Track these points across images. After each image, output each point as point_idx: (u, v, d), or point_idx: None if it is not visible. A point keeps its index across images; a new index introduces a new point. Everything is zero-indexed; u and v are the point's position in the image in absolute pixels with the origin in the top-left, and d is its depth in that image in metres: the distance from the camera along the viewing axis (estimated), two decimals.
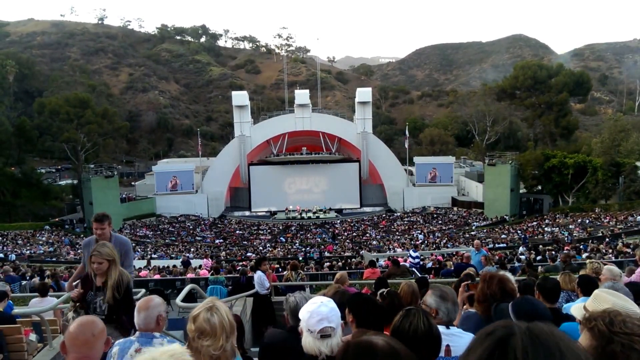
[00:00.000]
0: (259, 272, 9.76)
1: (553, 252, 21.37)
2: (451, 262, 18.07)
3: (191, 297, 9.51)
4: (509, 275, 5.30)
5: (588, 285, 4.69)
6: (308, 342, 2.63)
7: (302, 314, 2.69)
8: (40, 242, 41.86)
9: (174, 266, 22.80)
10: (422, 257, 22.47)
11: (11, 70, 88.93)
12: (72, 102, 55.44)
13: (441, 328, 2.79)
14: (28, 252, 37.85)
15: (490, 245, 32.10)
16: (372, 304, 3.18)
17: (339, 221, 53.48)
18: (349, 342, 1.88)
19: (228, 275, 16.70)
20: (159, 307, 3.31)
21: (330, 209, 56.37)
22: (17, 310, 6.94)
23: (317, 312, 2.62)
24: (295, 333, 3.11)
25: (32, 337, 6.19)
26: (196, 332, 2.48)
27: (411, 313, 2.51)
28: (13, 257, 34.19)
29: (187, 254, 38.29)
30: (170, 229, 51.77)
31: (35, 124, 61.51)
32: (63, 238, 45.06)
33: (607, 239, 28.67)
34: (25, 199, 52.91)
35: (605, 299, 2.84)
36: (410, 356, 1.80)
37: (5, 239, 41.47)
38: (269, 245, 43.85)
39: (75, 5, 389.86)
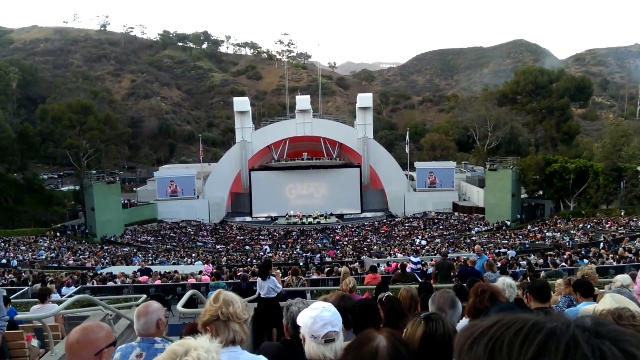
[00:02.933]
0: (272, 278, 9.79)
1: (555, 257, 21.39)
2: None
3: (192, 303, 9.53)
4: (509, 280, 5.28)
5: (585, 289, 4.81)
6: (312, 347, 2.61)
7: (304, 320, 2.67)
8: (42, 248, 41.90)
9: (175, 271, 22.78)
10: (423, 262, 22.52)
11: (14, 76, 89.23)
12: (74, 109, 55.49)
13: None
14: (31, 256, 37.90)
15: (496, 251, 32.02)
16: (373, 313, 3.30)
17: (339, 226, 53.39)
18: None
19: (229, 281, 16.62)
20: (157, 312, 3.31)
21: (331, 214, 56.25)
22: (19, 315, 6.99)
23: (321, 317, 2.61)
24: (290, 344, 3.16)
25: (34, 342, 6.26)
26: (223, 305, 2.67)
27: (435, 317, 2.47)
28: (15, 263, 34.21)
29: (190, 259, 38.40)
30: (171, 234, 51.76)
31: (38, 130, 61.75)
32: (64, 244, 45.13)
33: (603, 244, 28.63)
34: (27, 204, 52.91)
35: (606, 302, 2.89)
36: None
37: (7, 245, 41.52)
38: (269, 250, 43.81)
39: (78, 12, 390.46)
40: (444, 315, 3.24)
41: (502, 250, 33.38)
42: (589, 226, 39.30)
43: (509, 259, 24.44)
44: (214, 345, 1.84)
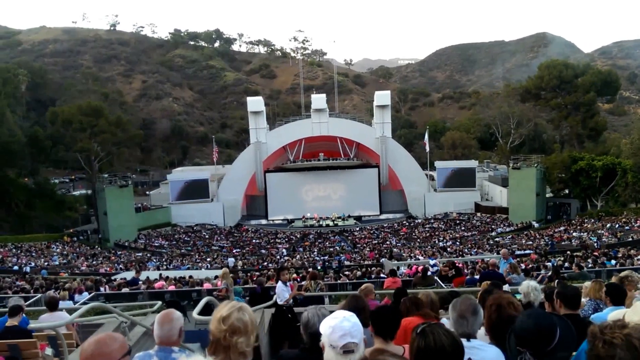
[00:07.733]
0: (279, 283, 9.64)
1: (581, 260, 20.16)
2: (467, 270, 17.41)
3: (208, 310, 8.88)
4: (533, 283, 4.96)
5: (617, 295, 4.66)
6: (330, 357, 2.60)
7: (324, 328, 2.66)
8: (55, 254, 41.23)
9: (190, 277, 22.22)
10: (444, 264, 21.57)
11: (23, 79, 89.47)
12: (85, 111, 55.12)
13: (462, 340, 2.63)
14: (43, 262, 37.21)
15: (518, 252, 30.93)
16: (391, 320, 3.36)
17: (358, 228, 52.92)
18: None
19: (245, 286, 16.54)
20: (180, 320, 3.33)
21: (349, 216, 55.95)
22: (32, 324, 7.05)
23: (340, 327, 2.58)
24: (309, 353, 3.13)
25: (48, 351, 6.39)
26: (229, 330, 2.62)
27: (429, 330, 2.41)
28: (27, 269, 33.55)
29: (203, 265, 37.38)
30: (186, 238, 51.42)
31: (49, 133, 61.20)
32: (77, 249, 44.48)
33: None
34: (39, 210, 52.52)
35: (638, 309, 2.83)
36: None
37: (19, 251, 40.91)
38: (285, 253, 42.93)
39: (87, 11, 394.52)
40: (465, 322, 3.18)
41: (527, 251, 32.30)
42: (617, 226, 38.54)
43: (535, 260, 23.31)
44: None
